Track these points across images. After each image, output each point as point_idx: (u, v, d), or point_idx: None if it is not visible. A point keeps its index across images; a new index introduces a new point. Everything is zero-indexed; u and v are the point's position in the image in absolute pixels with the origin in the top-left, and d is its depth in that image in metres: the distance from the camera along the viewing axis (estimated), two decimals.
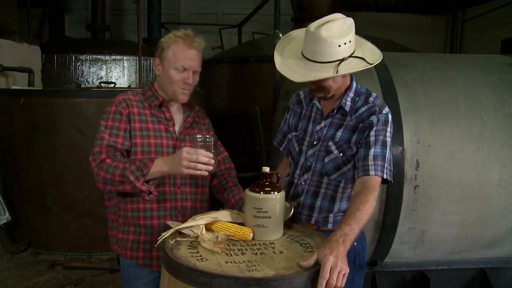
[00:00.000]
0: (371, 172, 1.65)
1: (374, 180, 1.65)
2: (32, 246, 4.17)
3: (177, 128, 1.91)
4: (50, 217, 4.06)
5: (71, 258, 4.00)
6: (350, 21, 1.66)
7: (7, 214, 3.95)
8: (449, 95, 2.52)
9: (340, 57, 1.62)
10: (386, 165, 1.68)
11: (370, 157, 1.67)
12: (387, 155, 1.69)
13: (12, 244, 4.10)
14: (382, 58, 1.71)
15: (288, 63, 1.72)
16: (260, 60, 5.44)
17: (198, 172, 1.64)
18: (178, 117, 1.93)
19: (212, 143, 1.68)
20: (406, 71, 2.60)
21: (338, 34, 1.62)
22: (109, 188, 1.75)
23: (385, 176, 1.67)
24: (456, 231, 2.51)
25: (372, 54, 1.72)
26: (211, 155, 1.65)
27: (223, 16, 8.95)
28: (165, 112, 1.89)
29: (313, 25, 1.65)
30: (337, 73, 1.61)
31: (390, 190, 2.38)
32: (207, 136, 1.69)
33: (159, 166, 1.69)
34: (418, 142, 2.41)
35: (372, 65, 1.66)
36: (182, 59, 1.78)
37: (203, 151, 1.63)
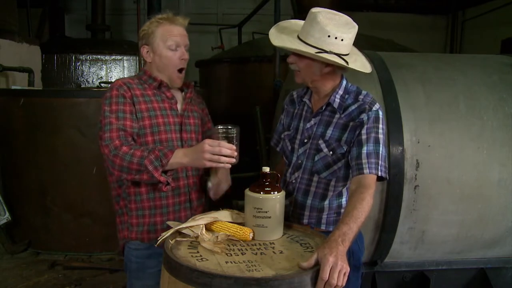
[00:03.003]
0: (365, 171, 1.64)
1: (369, 178, 1.64)
2: (32, 246, 4.17)
3: (179, 106, 1.92)
4: (50, 217, 4.06)
5: (71, 258, 4.00)
6: (353, 24, 1.67)
7: (7, 214, 3.94)
8: (449, 95, 2.52)
9: (326, 49, 1.62)
10: (380, 162, 1.66)
11: (363, 155, 1.66)
12: (380, 152, 1.67)
13: (12, 244, 4.09)
14: (368, 72, 1.73)
15: (281, 36, 1.75)
16: (260, 60, 5.44)
17: (221, 165, 1.62)
18: (177, 95, 1.93)
19: (235, 134, 1.63)
20: (406, 71, 2.60)
21: (334, 26, 1.62)
22: (124, 176, 1.70)
23: (379, 173, 1.66)
24: (456, 231, 2.51)
25: (361, 66, 1.73)
26: (234, 147, 1.61)
27: (223, 16, 8.95)
28: (165, 92, 1.88)
29: (317, 9, 1.67)
30: (314, 54, 1.61)
31: (390, 190, 2.38)
32: (229, 127, 1.64)
33: (179, 158, 1.66)
34: (418, 142, 2.41)
35: (348, 66, 1.66)
36: (173, 36, 1.81)
37: (226, 143, 1.60)
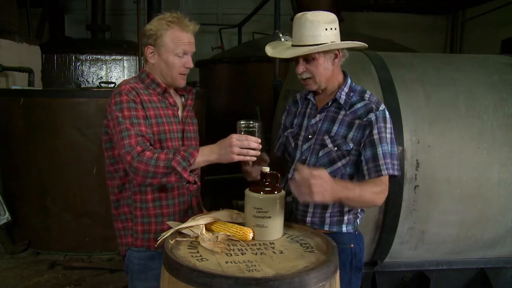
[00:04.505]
0: (383, 172, 1.69)
1: (386, 179, 1.71)
2: (32, 246, 4.17)
3: (179, 112, 1.91)
4: (50, 217, 4.06)
5: (71, 258, 3.99)
6: (333, 15, 1.76)
7: (7, 214, 3.95)
8: (449, 95, 2.52)
9: (328, 41, 1.71)
10: (394, 161, 1.73)
11: (380, 156, 1.70)
12: (394, 151, 1.73)
13: (12, 244, 4.09)
14: (366, 45, 1.82)
15: (284, 51, 1.82)
16: (260, 60, 5.43)
17: (248, 158, 1.64)
18: (178, 101, 1.92)
19: (256, 128, 1.66)
20: (406, 71, 2.60)
21: (325, 19, 1.72)
22: (149, 181, 1.67)
23: (396, 173, 1.73)
24: (456, 231, 2.51)
25: (360, 44, 1.82)
26: (259, 140, 1.64)
27: (223, 16, 8.95)
28: (168, 98, 1.87)
29: (299, 13, 1.76)
30: (330, 44, 1.70)
31: (390, 190, 2.37)
32: (251, 121, 1.66)
33: (205, 155, 1.66)
34: (418, 142, 2.41)
35: (355, 44, 1.77)
36: (182, 44, 1.77)
37: (252, 137, 1.62)
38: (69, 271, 3.72)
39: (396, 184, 2.36)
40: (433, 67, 2.66)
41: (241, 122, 1.65)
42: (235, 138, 1.62)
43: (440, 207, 2.44)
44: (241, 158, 1.63)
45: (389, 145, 1.72)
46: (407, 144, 2.39)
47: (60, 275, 3.66)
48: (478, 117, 2.47)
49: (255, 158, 1.66)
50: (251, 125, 1.64)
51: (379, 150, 1.70)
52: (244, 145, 1.61)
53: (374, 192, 1.67)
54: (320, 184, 1.46)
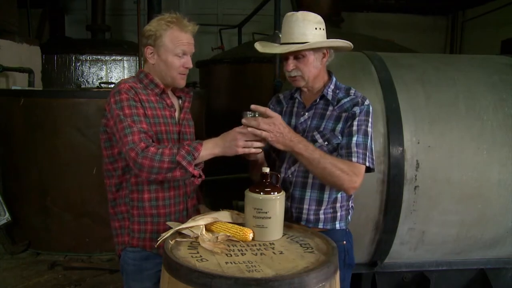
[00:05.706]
0: (353, 159, 1.72)
1: (359, 168, 1.72)
2: (32, 246, 4.17)
3: (176, 114, 1.92)
4: (50, 217, 4.06)
5: (71, 258, 4.00)
6: (320, 17, 1.82)
7: (7, 214, 3.95)
8: (449, 95, 2.52)
9: (318, 40, 1.77)
10: (368, 153, 1.75)
11: (353, 144, 1.74)
12: (368, 144, 1.76)
13: (12, 244, 4.10)
14: (352, 46, 1.85)
15: (269, 47, 1.88)
16: (260, 60, 5.44)
17: (253, 151, 1.65)
18: (175, 103, 1.93)
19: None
20: (406, 71, 2.60)
21: (314, 19, 1.78)
22: (153, 177, 1.67)
23: (367, 164, 1.74)
24: (456, 231, 2.51)
25: (343, 43, 1.86)
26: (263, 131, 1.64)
27: (223, 16, 8.95)
28: (166, 99, 1.87)
29: (289, 13, 1.82)
30: (308, 43, 1.73)
31: (390, 191, 2.38)
32: (256, 113, 1.65)
33: (209, 149, 1.66)
34: (418, 143, 2.41)
35: (344, 43, 1.82)
36: (181, 44, 1.78)
37: (255, 130, 1.62)
38: (69, 271, 3.72)
39: (396, 184, 2.37)
40: (433, 67, 2.66)
41: (248, 113, 1.64)
42: (238, 130, 1.62)
43: (440, 207, 2.44)
44: (246, 150, 1.63)
45: (365, 137, 1.76)
46: (407, 144, 2.39)
47: (60, 275, 3.66)
48: (478, 117, 2.47)
49: (260, 150, 1.67)
50: (256, 117, 1.64)
51: (354, 139, 1.75)
52: (248, 138, 1.62)
53: (339, 168, 1.68)
54: (268, 122, 1.60)
